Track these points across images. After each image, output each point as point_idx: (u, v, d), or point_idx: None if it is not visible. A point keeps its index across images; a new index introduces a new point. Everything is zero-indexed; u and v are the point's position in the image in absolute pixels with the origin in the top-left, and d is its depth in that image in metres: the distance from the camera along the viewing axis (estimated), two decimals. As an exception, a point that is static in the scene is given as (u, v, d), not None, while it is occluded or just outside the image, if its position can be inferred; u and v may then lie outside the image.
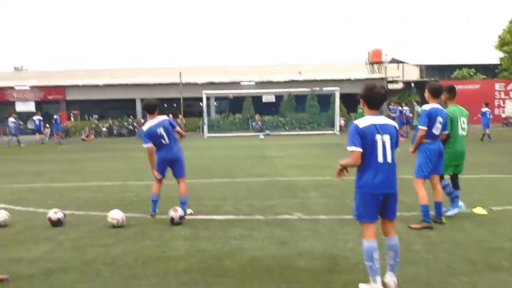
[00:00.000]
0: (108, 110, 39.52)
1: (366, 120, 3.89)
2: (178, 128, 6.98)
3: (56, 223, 6.46)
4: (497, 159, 12.96)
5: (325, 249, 5.10)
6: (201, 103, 37.06)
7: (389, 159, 3.84)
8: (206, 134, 28.98)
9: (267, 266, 4.60)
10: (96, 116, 38.39)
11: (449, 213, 6.37)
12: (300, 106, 36.13)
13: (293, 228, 6.05)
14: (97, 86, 36.71)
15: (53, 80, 37.95)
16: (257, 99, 35.87)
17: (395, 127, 3.96)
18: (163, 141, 6.70)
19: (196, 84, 35.76)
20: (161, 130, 6.66)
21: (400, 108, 24.95)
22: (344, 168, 4.08)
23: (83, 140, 28.80)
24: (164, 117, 6.87)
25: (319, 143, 21.21)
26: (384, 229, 4.03)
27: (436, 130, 5.95)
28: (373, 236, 3.85)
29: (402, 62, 39.43)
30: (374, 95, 3.94)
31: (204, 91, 29.80)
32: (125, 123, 34.52)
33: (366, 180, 3.84)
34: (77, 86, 36.69)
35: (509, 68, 33.14)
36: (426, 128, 5.90)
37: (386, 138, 3.84)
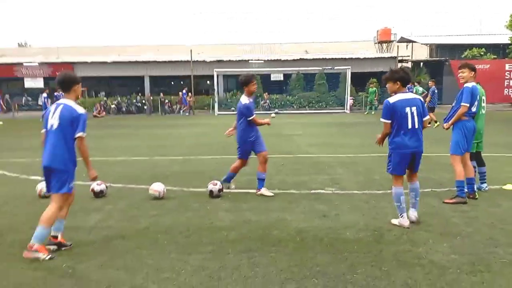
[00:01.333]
0: (116, 87, 39.55)
1: (396, 97, 5.09)
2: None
3: (98, 194, 6.70)
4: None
5: (367, 222, 5.31)
6: (208, 81, 37.08)
7: (416, 125, 5.04)
8: (217, 111, 29.09)
9: (316, 237, 4.83)
10: (103, 93, 38.48)
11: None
12: (308, 85, 36.10)
13: (330, 202, 6.27)
14: (105, 62, 36.60)
15: (59, 56, 37.88)
16: (264, 77, 35.82)
17: (420, 100, 5.17)
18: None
19: (205, 61, 35.66)
20: None
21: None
22: (383, 138, 5.29)
23: (95, 116, 28.97)
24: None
25: (332, 122, 21.35)
26: (409, 178, 5.27)
27: (474, 108, 6.12)
28: (401, 184, 5.14)
29: (412, 41, 39.14)
30: (408, 77, 5.19)
31: (215, 69, 29.78)
32: (134, 100, 34.60)
33: (399, 142, 5.03)
34: (85, 63, 36.60)
35: (520, 48, 32.97)
36: (468, 105, 6.05)
37: (414, 109, 5.03)
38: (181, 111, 31.66)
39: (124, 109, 33.67)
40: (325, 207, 6.00)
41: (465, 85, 6.26)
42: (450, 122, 6.31)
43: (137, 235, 5.00)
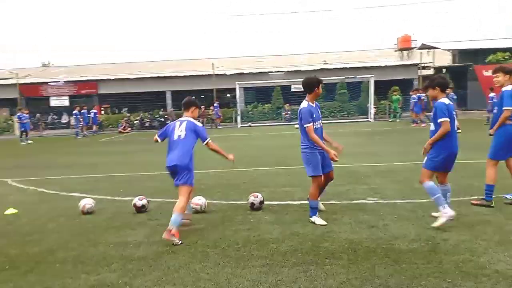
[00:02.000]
0: (137, 103, 40.09)
1: (446, 100, 5.45)
2: None
3: (141, 209, 6.73)
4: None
5: (418, 232, 5.18)
6: (228, 94, 37.26)
7: (455, 128, 5.46)
8: (239, 124, 29.17)
9: (369, 248, 4.73)
10: (126, 109, 39.00)
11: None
12: (330, 94, 35.97)
13: (375, 212, 6.15)
14: (127, 79, 37.22)
15: (82, 74, 38.67)
16: (285, 88, 35.84)
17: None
18: None
19: (225, 75, 35.91)
20: None
21: (418, 94, 24.82)
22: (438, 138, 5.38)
23: (120, 132, 29.38)
24: None
25: (359, 131, 21.18)
26: (442, 180, 5.62)
27: None
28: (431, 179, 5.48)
29: (433, 48, 38.69)
30: (445, 81, 5.59)
31: (237, 82, 29.96)
32: (156, 116, 34.98)
33: (451, 143, 5.38)
34: (108, 80, 37.27)
35: (546, 50, 32.27)
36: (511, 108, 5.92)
37: (454, 113, 5.48)
38: (217, 125, 31.46)
39: (147, 124, 34.04)
40: (371, 217, 5.89)
41: (503, 89, 6.12)
42: (494, 128, 6.19)
43: (187, 249, 4.97)
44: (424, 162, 5.56)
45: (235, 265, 4.43)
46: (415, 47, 41.86)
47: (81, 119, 26.51)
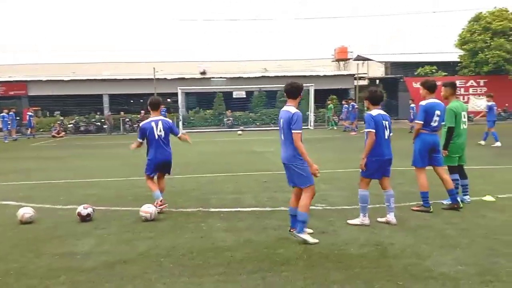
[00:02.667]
0: (71, 106, 38.33)
1: (375, 111, 5.91)
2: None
3: (85, 218, 6.45)
4: (481, 152, 13.76)
5: (367, 237, 5.39)
6: (168, 99, 36.63)
7: (386, 136, 5.91)
8: (181, 129, 28.79)
9: (322, 254, 4.84)
10: (58, 112, 37.14)
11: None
12: (271, 102, 36.53)
13: (324, 218, 6.32)
14: (61, 81, 35.52)
15: (9, 75, 36.38)
16: (227, 94, 35.94)
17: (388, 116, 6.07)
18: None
19: (166, 79, 35.34)
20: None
21: (353, 103, 26.45)
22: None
23: (54, 136, 27.93)
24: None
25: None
26: (384, 186, 6.02)
27: (434, 123, 6.53)
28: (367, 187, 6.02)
29: (368, 59, 40.54)
30: (377, 96, 6.08)
31: (179, 87, 29.62)
32: (92, 120, 33.66)
33: (380, 150, 5.83)
34: (40, 81, 35.35)
35: (468, 65, 34.80)
36: (422, 122, 6.51)
37: (386, 123, 5.92)
38: None
39: (82, 128, 32.65)
40: (321, 223, 6.04)
41: (420, 102, 6.67)
42: (412, 137, 6.83)
43: (139, 259, 4.83)
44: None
45: (191, 274, 4.37)
46: (351, 58, 43.69)
47: (9, 122, 24.90)
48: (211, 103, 36.15)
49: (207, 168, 11.68)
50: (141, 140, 7.00)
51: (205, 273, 4.37)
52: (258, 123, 34.72)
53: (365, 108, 6.55)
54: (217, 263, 4.65)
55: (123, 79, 35.57)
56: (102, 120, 32.92)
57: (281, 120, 5.31)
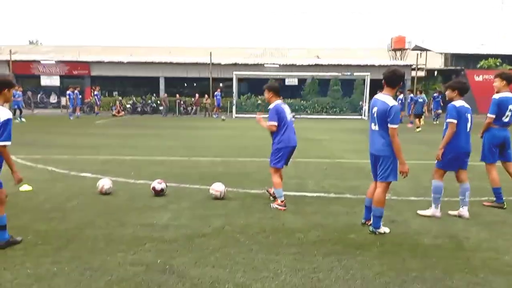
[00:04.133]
0: (128, 87, 39.69)
1: (459, 102, 5.84)
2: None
3: (159, 193, 6.76)
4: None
5: (440, 229, 5.36)
6: (221, 84, 37.09)
7: (468, 129, 5.85)
8: (234, 114, 29.21)
9: (395, 242, 4.87)
10: (116, 93, 38.53)
11: None
12: (323, 90, 36.21)
13: (392, 208, 6.27)
14: (121, 63, 36.79)
15: (73, 54, 38.05)
16: (279, 81, 35.95)
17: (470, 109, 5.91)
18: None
19: (220, 64, 35.78)
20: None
21: (412, 95, 25.28)
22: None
23: (114, 115, 29.10)
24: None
25: (355, 128, 21.40)
26: (460, 178, 5.98)
27: (506, 118, 6.32)
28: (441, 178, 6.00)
29: (426, 50, 39.15)
30: (467, 87, 6.00)
31: (234, 72, 29.92)
32: (149, 101, 34.67)
33: (459, 143, 5.78)
34: (102, 62, 36.79)
35: (536, 59, 33.00)
36: (493, 116, 6.29)
37: (468, 115, 5.84)
38: (214, 114, 31.23)
39: (139, 109, 33.71)
40: (390, 212, 6.00)
41: (494, 96, 6.42)
42: (480, 132, 6.59)
43: (216, 234, 5.05)
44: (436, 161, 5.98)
45: (267, 251, 4.53)
46: (408, 48, 42.33)
47: (75, 100, 26.19)
48: (262, 89, 36.23)
49: (265, 152, 11.79)
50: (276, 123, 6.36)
51: (281, 252, 4.52)
52: (309, 111, 34.55)
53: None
54: (290, 243, 4.79)
55: (178, 63, 36.31)
56: (158, 102, 33.86)
57: (375, 109, 5.11)
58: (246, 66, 35.73)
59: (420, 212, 6.04)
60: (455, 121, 5.75)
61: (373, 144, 5.25)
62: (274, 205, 6.23)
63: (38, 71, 36.44)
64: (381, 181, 5.16)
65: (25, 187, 7.06)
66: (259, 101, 35.49)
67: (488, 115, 6.37)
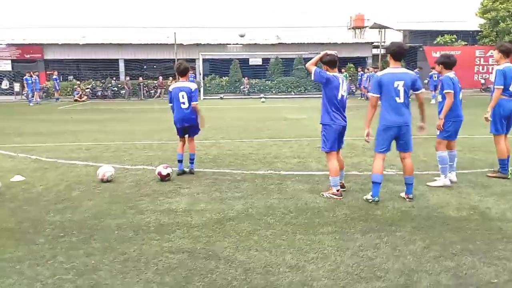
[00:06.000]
0: (85, 71, 38.02)
1: (451, 74, 6.20)
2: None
3: (165, 178, 6.51)
4: None
5: (458, 201, 5.44)
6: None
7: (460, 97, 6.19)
8: (202, 96, 28.69)
9: (422, 216, 4.90)
10: (71, 77, 36.79)
11: None
12: (287, 70, 36.20)
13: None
14: (77, 44, 35.14)
15: (21, 38, 35.94)
16: (243, 61, 35.61)
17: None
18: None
19: (182, 45, 34.89)
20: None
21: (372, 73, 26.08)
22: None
23: (76, 100, 27.87)
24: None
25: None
26: (451, 146, 6.29)
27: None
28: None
29: (385, 27, 39.83)
30: (454, 61, 6.23)
31: (200, 53, 29.29)
32: (109, 85, 33.40)
33: (458, 111, 6.22)
34: (56, 45, 34.98)
35: (489, 35, 34.30)
36: (502, 87, 6.40)
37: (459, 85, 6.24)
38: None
39: (99, 93, 32.43)
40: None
41: (495, 67, 6.64)
42: (490, 107, 6.56)
43: (243, 217, 4.91)
44: (437, 132, 6.21)
45: (304, 231, 4.44)
46: (367, 26, 42.97)
47: (33, 85, 24.87)
48: (226, 70, 35.82)
49: (252, 133, 11.69)
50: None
51: (318, 231, 4.44)
52: (274, 91, 34.51)
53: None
54: (322, 222, 4.72)
55: (139, 44, 35.12)
56: (120, 86, 32.71)
57: (401, 82, 5.21)
58: (209, 46, 35.10)
59: (430, 184, 6.16)
60: (452, 91, 6.03)
61: (400, 116, 5.31)
62: (327, 194, 5.67)
63: (-13, 55, 34.22)
64: (410, 151, 5.52)
65: (17, 178, 6.62)
66: (223, 82, 35.09)
67: (496, 86, 6.44)
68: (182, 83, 6.90)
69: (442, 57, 6.36)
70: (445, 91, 6.08)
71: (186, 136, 7.11)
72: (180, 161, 6.94)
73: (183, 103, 6.77)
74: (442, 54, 6.56)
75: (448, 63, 6.25)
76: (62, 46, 35.05)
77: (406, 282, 3.34)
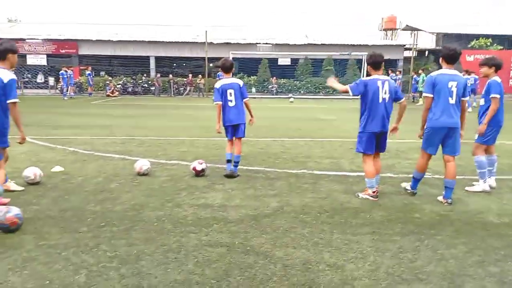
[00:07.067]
0: (116, 67, 38.70)
1: (499, 78, 5.90)
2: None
3: (199, 173, 6.58)
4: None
5: (498, 206, 5.33)
6: (211, 64, 36.54)
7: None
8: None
9: (461, 220, 4.81)
10: (103, 73, 37.50)
11: None
12: (315, 70, 36.00)
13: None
14: (110, 41, 35.85)
15: (60, 33, 36.87)
16: (272, 61, 35.61)
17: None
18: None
19: (212, 44, 35.14)
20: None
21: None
22: None
23: (108, 96, 28.45)
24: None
25: (356, 108, 21.24)
26: (491, 151, 6.18)
27: None
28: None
29: (417, 30, 39.17)
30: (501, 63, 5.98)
31: (231, 52, 29.41)
32: (140, 81, 33.92)
33: (500, 117, 5.99)
34: (90, 41, 35.79)
35: (527, 40, 33.36)
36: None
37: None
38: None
39: (130, 89, 32.96)
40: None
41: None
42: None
43: (278, 214, 4.92)
44: (476, 137, 6.07)
45: (341, 231, 4.42)
46: (399, 28, 42.34)
47: (68, 80, 25.52)
48: (254, 69, 35.90)
49: (282, 132, 11.69)
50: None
51: (355, 232, 4.41)
52: (302, 91, 34.41)
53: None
54: (359, 223, 4.69)
55: (170, 41, 35.56)
56: (149, 82, 33.20)
57: (454, 83, 5.24)
58: (238, 45, 35.23)
59: (468, 188, 6.04)
60: (499, 96, 5.85)
61: (449, 117, 5.30)
62: (362, 195, 5.60)
63: (24, 50, 35.23)
64: (454, 155, 5.46)
65: (57, 168, 6.81)
66: (251, 81, 35.17)
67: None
68: (228, 79, 6.62)
69: (492, 60, 6.03)
70: (492, 95, 5.84)
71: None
72: (228, 161, 6.65)
73: (231, 101, 6.51)
74: (490, 57, 6.22)
75: (499, 65, 6.00)
76: (96, 43, 35.80)
77: (449, 286, 3.29)
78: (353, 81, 5.70)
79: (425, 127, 5.51)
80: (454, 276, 3.45)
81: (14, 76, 4.97)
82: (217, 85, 6.61)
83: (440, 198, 5.54)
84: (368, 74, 5.81)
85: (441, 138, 5.37)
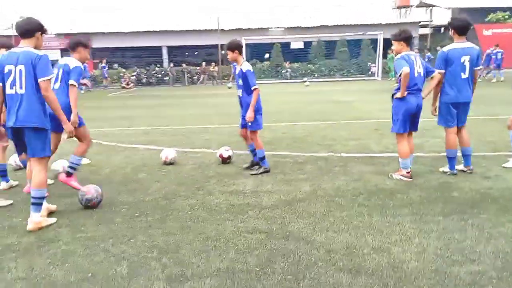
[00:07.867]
0: (129, 59, 38.69)
1: None
2: None
3: (226, 160, 6.50)
4: None
5: (538, 182, 5.14)
6: (223, 51, 36.23)
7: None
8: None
9: (505, 197, 4.64)
10: (117, 65, 37.52)
11: None
12: (329, 52, 35.47)
13: (475, 164, 5.91)
14: (121, 33, 35.81)
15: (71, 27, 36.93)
16: (284, 45, 35.18)
17: None
18: None
19: (223, 30, 34.84)
20: None
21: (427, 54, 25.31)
22: None
23: (123, 87, 28.52)
24: None
25: (373, 89, 21.06)
26: None
27: None
28: None
29: (432, 5, 38.30)
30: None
31: (243, 37, 29.10)
32: (153, 72, 33.87)
33: None
34: (102, 33, 35.77)
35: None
36: None
37: None
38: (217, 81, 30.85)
39: (144, 80, 32.96)
40: (476, 168, 5.72)
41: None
42: None
43: (312, 198, 4.82)
44: None
45: (380, 214, 4.29)
46: (413, 5, 41.40)
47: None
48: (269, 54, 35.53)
49: (303, 116, 11.54)
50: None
51: (395, 213, 4.28)
52: (316, 75, 33.99)
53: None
54: (397, 204, 4.55)
55: (181, 30, 35.36)
56: (163, 72, 33.15)
57: (467, 58, 5.17)
58: (249, 30, 34.86)
59: (505, 165, 5.84)
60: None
61: (462, 91, 5.27)
62: (396, 175, 5.42)
63: (37, 45, 35.42)
64: (465, 124, 5.52)
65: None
66: (264, 67, 34.84)
67: None
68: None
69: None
70: None
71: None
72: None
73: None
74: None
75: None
76: (107, 35, 35.77)
77: (504, 265, 3.15)
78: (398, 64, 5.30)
79: (437, 102, 5.47)
80: (507, 255, 3.31)
81: (80, 64, 5.34)
82: (251, 68, 5.96)
83: (460, 166, 5.59)
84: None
85: (455, 112, 5.34)
